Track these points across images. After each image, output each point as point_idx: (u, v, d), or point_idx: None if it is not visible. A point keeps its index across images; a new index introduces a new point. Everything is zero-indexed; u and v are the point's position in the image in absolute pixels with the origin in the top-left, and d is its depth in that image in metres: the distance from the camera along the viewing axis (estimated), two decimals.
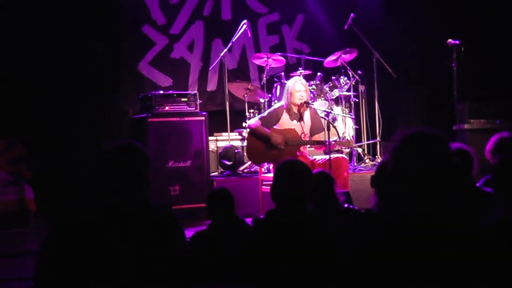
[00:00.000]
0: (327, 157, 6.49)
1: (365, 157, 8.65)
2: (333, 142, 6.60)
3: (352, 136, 8.39)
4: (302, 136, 6.84)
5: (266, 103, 8.24)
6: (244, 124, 8.26)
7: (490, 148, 4.76)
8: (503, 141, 4.69)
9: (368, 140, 8.87)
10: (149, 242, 2.74)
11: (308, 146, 7.02)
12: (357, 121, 8.70)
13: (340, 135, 8.13)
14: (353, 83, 8.56)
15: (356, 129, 8.59)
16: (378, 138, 8.70)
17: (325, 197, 4.28)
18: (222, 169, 8.38)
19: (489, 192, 4.14)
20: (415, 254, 2.18)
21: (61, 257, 2.70)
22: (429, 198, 2.21)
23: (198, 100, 7.69)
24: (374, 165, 8.37)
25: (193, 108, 7.62)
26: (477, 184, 4.43)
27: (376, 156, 8.71)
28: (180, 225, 2.87)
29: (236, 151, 8.19)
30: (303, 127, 6.88)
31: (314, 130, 6.98)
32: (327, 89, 8.43)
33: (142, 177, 2.87)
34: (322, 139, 6.85)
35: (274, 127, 6.85)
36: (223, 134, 8.79)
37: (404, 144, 2.30)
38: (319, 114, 7.27)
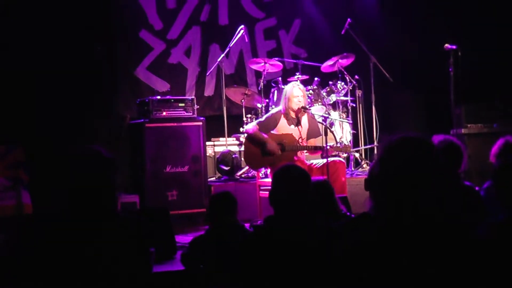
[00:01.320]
0: (324, 161, 6.51)
1: (363, 162, 8.67)
2: (329, 147, 6.60)
3: (350, 141, 8.40)
4: (300, 140, 6.87)
5: (263, 108, 8.25)
6: (241, 129, 8.28)
7: (495, 152, 4.78)
8: (508, 145, 4.71)
9: (365, 145, 8.90)
10: (112, 256, 2.68)
11: (305, 151, 7.04)
12: (354, 126, 8.72)
13: (338, 140, 8.16)
14: (350, 88, 8.58)
15: (353, 134, 8.61)
16: (375, 143, 8.73)
17: (325, 207, 4.29)
18: (219, 174, 8.39)
19: (472, 187, 4.18)
20: (407, 256, 2.21)
21: (24, 268, 2.67)
22: (413, 201, 2.25)
23: (196, 105, 7.71)
24: None
25: (191, 113, 7.64)
26: (484, 187, 4.45)
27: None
28: (147, 237, 2.79)
29: (233, 156, 8.20)
30: (301, 132, 6.91)
31: (311, 135, 7.01)
32: (324, 94, 8.45)
33: (105, 185, 2.79)
34: (319, 144, 6.88)
35: (272, 132, 6.88)
36: (221, 139, 8.80)
37: (388, 149, 2.34)
38: (316, 119, 7.30)
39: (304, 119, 6.99)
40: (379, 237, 2.27)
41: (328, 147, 6.48)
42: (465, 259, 2.19)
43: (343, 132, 8.47)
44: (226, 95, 8.68)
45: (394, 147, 2.33)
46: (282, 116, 6.92)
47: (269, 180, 6.94)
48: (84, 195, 2.75)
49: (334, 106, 8.62)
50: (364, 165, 8.58)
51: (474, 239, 2.28)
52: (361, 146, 8.85)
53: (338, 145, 6.96)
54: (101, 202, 2.76)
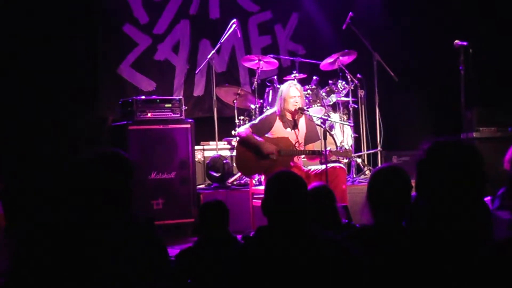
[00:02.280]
0: (323, 167, 6.50)
1: (365, 168, 8.66)
2: (329, 152, 6.59)
3: (351, 145, 8.40)
4: (297, 145, 6.87)
5: (257, 109, 8.25)
6: (233, 132, 8.26)
7: (510, 157, 4.78)
8: None
9: (368, 149, 8.89)
10: (131, 262, 2.74)
11: (303, 156, 7.03)
12: (356, 129, 8.72)
13: (338, 144, 8.15)
14: (352, 88, 8.57)
15: (355, 137, 8.61)
16: (379, 148, 8.72)
17: (324, 213, 4.29)
18: (209, 181, 8.39)
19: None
20: (432, 269, 2.20)
21: (32, 277, 2.69)
22: (455, 212, 2.23)
23: (184, 106, 7.70)
24: None
25: (178, 115, 7.63)
26: (498, 193, 4.45)
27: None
28: (164, 244, 2.86)
29: (224, 161, 8.20)
30: (298, 136, 6.90)
31: (310, 138, 7.00)
32: (323, 94, 8.45)
33: (125, 190, 2.86)
34: (318, 149, 6.87)
35: (266, 135, 6.87)
36: (211, 143, 8.79)
37: (431, 155, 2.32)
38: (315, 121, 7.29)
39: (302, 122, 6.99)
40: (395, 252, 2.26)
41: (327, 152, 6.47)
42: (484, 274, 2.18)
43: (344, 135, 8.47)
44: (217, 95, 8.68)
45: (438, 154, 2.31)
46: (277, 118, 6.91)
47: (263, 187, 6.92)
48: (102, 198, 2.80)
49: (334, 107, 8.62)
50: (367, 172, 8.58)
51: (485, 256, 2.27)
52: (364, 151, 8.85)
53: (338, 149, 6.95)
54: (119, 205, 2.83)
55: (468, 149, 2.30)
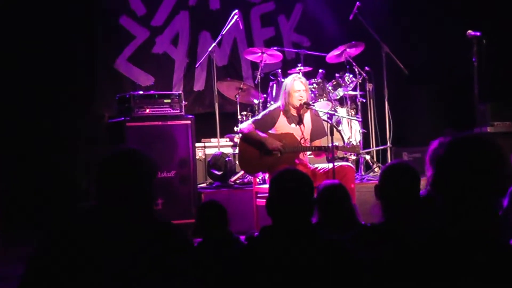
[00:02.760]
0: (331, 165, 6.48)
1: (374, 165, 8.65)
2: (336, 147, 6.57)
3: (359, 141, 8.39)
4: (302, 141, 6.84)
5: (260, 104, 8.24)
6: (235, 129, 8.27)
7: None
8: None
9: (377, 145, 8.88)
10: (156, 265, 2.72)
11: (308, 153, 7.02)
12: (364, 124, 8.70)
13: (345, 140, 8.13)
14: (360, 81, 8.56)
15: (363, 133, 8.59)
16: (388, 144, 8.71)
17: (340, 213, 4.27)
18: (211, 180, 8.38)
19: None
20: (444, 274, 2.19)
21: (53, 279, 2.68)
22: (475, 212, 2.21)
23: (183, 102, 7.68)
24: None
25: (178, 111, 7.61)
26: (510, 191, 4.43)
27: None
28: (190, 244, 2.87)
29: (226, 159, 8.18)
30: (303, 132, 6.88)
31: (315, 134, 6.98)
32: (330, 88, 8.43)
33: (148, 190, 2.84)
34: (324, 145, 6.85)
35: (270, 131, 6.86)
36: (212, 140, 8.79)
37: (451, 150, 2.29)
38: (321, 116, 7.27)
39: (307, 117, 6.97)
40: (405, 254, 2.24)
41: (335, 147, 6.45)
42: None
43: (351, 131, 8.46)
44: (218, 90, 8.67)
45: (460, 148, 2.29)
46: (281, 113, 6.89)
47: (267, 186, 6.91)
48: (121, 196, 2.79)
49: (342, 101, 8.60)
50: (376, 169, 8.56)
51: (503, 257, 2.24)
52: (373, 147, 8.84)
53: (346, 145, 6.93)
54: (148, 209, 2.83)
55: (491, 145, 2.28)
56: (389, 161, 8.66)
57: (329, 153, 6.59)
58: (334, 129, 7.40)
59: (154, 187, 2.86)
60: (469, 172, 2.22)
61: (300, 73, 7.88)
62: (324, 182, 4.68)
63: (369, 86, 8.74)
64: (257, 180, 7.28)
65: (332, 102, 8.33)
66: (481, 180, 2.22)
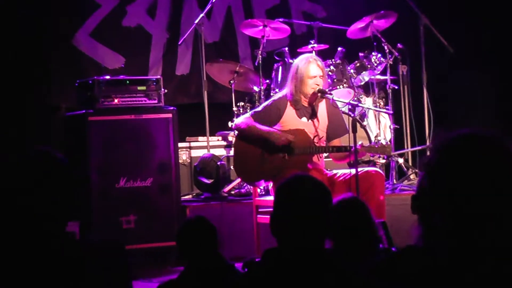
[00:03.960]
0: (353, 171, 6.50)
1: (410, 171, 8.68)
2: (360, 148, 6.60)
3: (390, 140, 8.41)
4: (316, 140, 6.86)
5: (262, 92, 8.26)
6: (230, 124, 8.29)
7: None
8: None
9: (413, 146, 8.91)
10: None
11: (325, 155, 7.04)
12: (396, 118, 8.73)
13: (372, 139, 8.16)
14: (391, 62, 8.58)
15: (395, 129, 8.62)
16: (428, 143, 8.74)
17: (356, 236, 4.30)
18: (198, 191, 8.41)
19: None
20: None
21: None
22: (482, 230, 2.25)
23: (163, 89, 7.71)
24: None
25: (155, 101, 7.64)
26: None
27: None
28: (126, 273, 2.85)
29: (218, 163, 8.20)
30: (317, 128, 6.89)
31: (334, 132, 7.00)
32: (352, 71, 8.46)
33: (63, 201, 2.85)
34: (345, 145, 6.87)
35: (274, 127, 6.86)
36: (200, 138, 8.81)
37: (446, 153, 2.33)
38: (340, 108, 7.30)
39: (322, 109, 6.98)
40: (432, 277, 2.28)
41: (358, 148, 6.47)
42: None
43: (380, 127, 8.49)
44: (207, 74, 8.69)
45: (455, 152, 2.32)
46: (289, 104, 6.89)
47: (271, 198, 6.94)
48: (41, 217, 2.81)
49: (367, 89, 8.64)
50: (412, 176, 8.59)
51: None
52: (408, 147, 8.86)
53: (373, 145, 6.96)
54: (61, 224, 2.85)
55: (500, 145, 2.31)
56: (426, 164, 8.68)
57: (351, 155, 6.61)
58: (358, 125, 7.43)
59: (72, 198, 2.89)
60: (474, 182, 2.26)
61: (314, 52, 7.90)
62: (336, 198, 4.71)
63: (402, 69, 8.77)
64: (258, 190, 7.30)
65: (354, 90, 8.36)
66: (492, 189, 2.25)
